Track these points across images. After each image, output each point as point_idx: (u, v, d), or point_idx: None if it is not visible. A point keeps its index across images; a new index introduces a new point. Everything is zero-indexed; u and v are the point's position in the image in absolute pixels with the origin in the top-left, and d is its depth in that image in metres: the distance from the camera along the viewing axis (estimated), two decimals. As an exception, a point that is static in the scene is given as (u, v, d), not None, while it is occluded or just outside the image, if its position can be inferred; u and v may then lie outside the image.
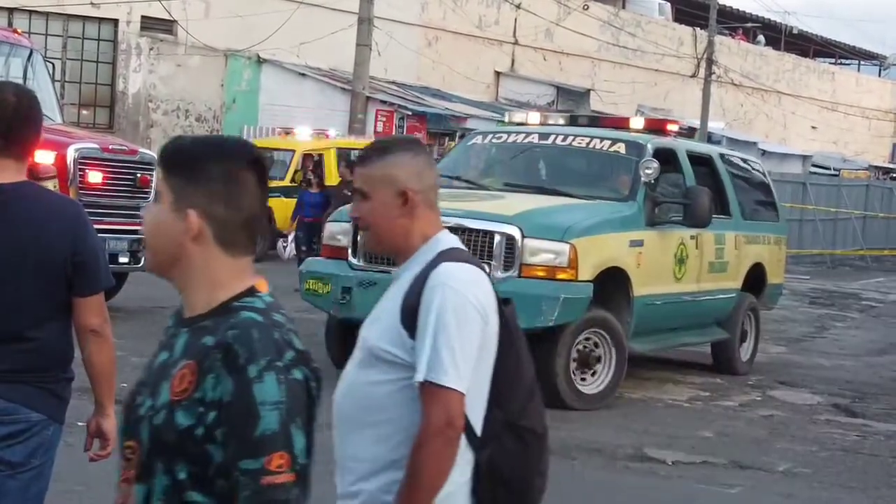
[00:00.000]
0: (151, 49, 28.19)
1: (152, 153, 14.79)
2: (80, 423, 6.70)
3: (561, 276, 9.59)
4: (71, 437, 7.06)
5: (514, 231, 9.58)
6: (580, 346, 9.90)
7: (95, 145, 13.44)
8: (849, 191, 34.58)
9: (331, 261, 10.34)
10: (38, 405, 3.76)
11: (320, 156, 22.50)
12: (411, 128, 28.46)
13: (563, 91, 36.63)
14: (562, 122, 12.51)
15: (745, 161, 14.23)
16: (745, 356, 12.78)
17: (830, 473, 8.47)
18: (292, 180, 21.75)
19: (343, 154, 21.89)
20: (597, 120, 12.85)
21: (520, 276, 9.53)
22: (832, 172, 40.00)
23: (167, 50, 28.34)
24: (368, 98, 27.34)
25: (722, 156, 13.00)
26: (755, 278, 12.91)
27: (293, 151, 22.63)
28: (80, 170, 12.91)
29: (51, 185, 11.68)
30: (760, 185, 13.78)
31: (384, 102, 29.18)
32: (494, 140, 12.06)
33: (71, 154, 12.65)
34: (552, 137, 11.57)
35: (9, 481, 3.75)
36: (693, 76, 41.27)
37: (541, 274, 9.59)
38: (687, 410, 10.49)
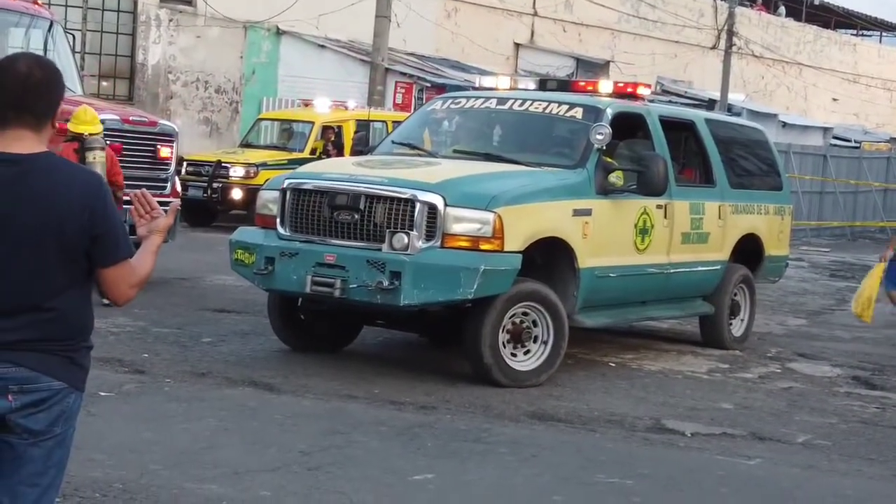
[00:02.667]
0: (171, 20, 28.17)
1: (172, 125, 14.83)
2: (101, 393, 6.77)
3: (485, 246, 9.14)
4: (92, 406, 7.13)
5: (435, 199, 9.17)
6: (514, 320, 9.50)
7: (116, 117, 13.49)
8: (870, 163, 34.39)
9: (260, 230, 10.04)
10: (60, 374, 3.78)
11: (339, 127, 22.50)
12: (430, 100, 28.36)
13: (582, 63, 36.48)
14: (532, 86, 11.94)
15: (740, 127, 13.79)
16: (738, 331, 12.43)
17: (850, 445, 8.46)
18: (311, 152, 21.76)
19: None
20: (567, 84, 12.24)
21: (442, 247, 9.14)
22: (853, 145, 39.77)
23: (186, 21, 28.32)
24: (387, 70, 27.25)
25: (708, 121, 12.47)
26: (750, 250, 12.58)
27: (312, 123, 22.62)
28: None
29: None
30: (759, 152, 13.29)
31: (403, 74, 29.10)
32: (453, 105, 11.62)
33: (91, 125, 12.65)
34: (509, 103, 11.10)
35: (31, 449, 3.77)
36: (713, 48, 41.00)
37: (463, 244, 9.17)
38: (706, 382, 10.47)
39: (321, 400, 8.64)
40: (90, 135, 12.08)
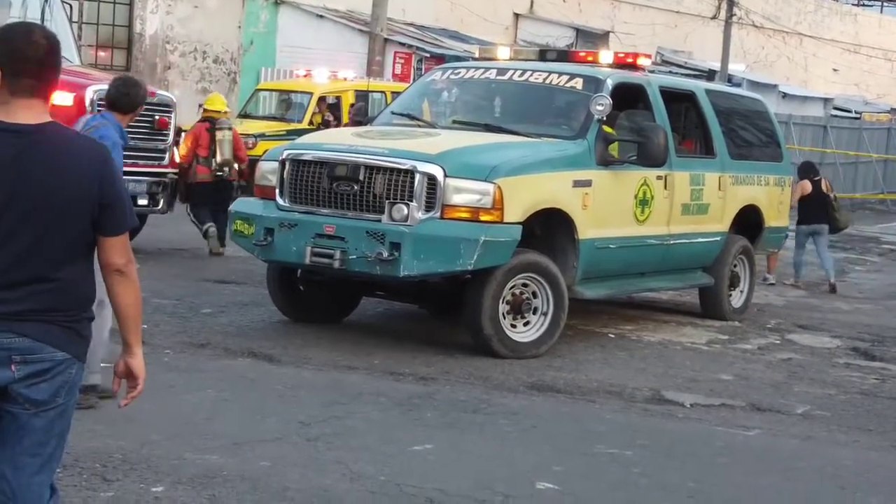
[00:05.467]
0: (169, -10, 28.04)
1: (171, 95, 14.78)
2: (102, 364, 6.74)
3: (485, 217, 9.12)
4: (92, 377, 7.11)
5: (435, 170, 9.13)
6: (514, 292, 9.50)
7: (114, 87, 13.41)
8: (870, 134, 34.34)
9: (259, 201, 10.02)
10: (63, 344, 3.78)
11: (338, 98, 22.45)
12: (429, 70, 28.28)
13: (582, 33, 36.34)
14: (532, 57, 11.89)
15: (741, 98, 13.74)
16: (737, 302, 12.42)
17: (849, 416, 8.48)
18: (310, 122, 21.71)
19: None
20: (567, 54, 12.18)
21: (442, 218, 9.12)
22: (853, 115, 39.71)
23: (185, -9, 28.18)
24: (386, 40, 27.17)
25: (709, 92, 12.43)
26: (750, 221, 12.58)
27: (311, 94, 22.57)
28: (99, 111, 12.88)
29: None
30: (759, 123, 13.25)
31: (402, 44, 28.99)
32: (453, 76, 11.56)
33: (89, 95, 12.63)
34: (509, 73, 11.05)
35: (33, 419, 3.78)
36: (714, 18, 40.80)
37: (463, 215, 9.14)
38: (705, 353, 10.49)
39: (321, 371, 8.65)
40: (221, 115, 14.65)
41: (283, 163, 9.81)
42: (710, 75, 18.02)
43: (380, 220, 9.19)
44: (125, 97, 7.38)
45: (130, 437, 6.53)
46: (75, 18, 15.51)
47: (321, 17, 29.34)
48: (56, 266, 3.74)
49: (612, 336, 10.93)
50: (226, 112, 15.02)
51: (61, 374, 3.80)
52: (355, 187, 9.38)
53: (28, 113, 3.72)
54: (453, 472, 6.42)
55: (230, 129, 14.61)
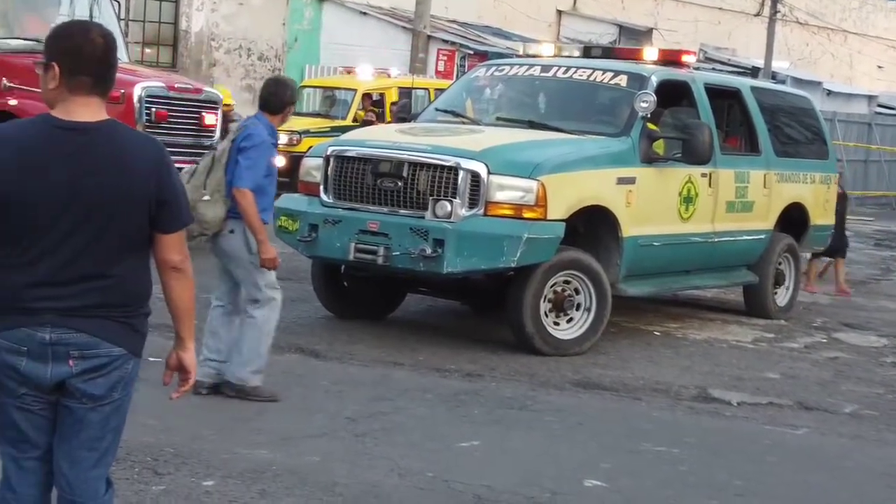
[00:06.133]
0: (214, -13, 28.20)
1: (217, 92, 14.87)
2: (151, 359, 6.83)
3: (528, 214, 9.11)
4: (143, 371, 7.17)
5: (479, 167, 9.14)
6: (556, 289, 9.48)
7: (162, 84, 13.54)
8: (916, 131, 34.03)
9: (304, 197, 10.08)
10: (119, 340, 3.81)
11: (381, 95, 22.49)
12: (472, 67, 28.29)
13: (625, 30, 36.23)
14: (576, 54, 11.90)
15: (786, 95, 13.64)
16: (782, 300, 12.34)
17: (897, 416, 8.44)
18: (354, 119, 21.76)
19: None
20: (611, 51, 12.16)
21: (485, 215, 9.12)
22: (898, 112, 39.33)
23: (229, -12, 28.34)
24: (430, 37, 27.17)
25: (754, 89, 12.35)
26: (795, 219, 12.49)
27: (354, 91, 22.61)
28: (147, 108, 13.02)
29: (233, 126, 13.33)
30: (805, 120, 13.14)
31: (445, 41, 29.02)
32: (497, 73, 11.55)
33: (138, 92, 12.76)
34: (553, 70, 11.03)
35: (90, 414, 3.82)
36: (757, 15, 40.61)
37: (506, 212, 9.14)
38: (751, 352, 10.45)
39: (367, 367, 8.68)
40: (228, 108, 14.69)
41: (327, 159, 9.85)
42: (753, 72, 17.91)
43: (423, 217, 9.21)
44: (272, 97, 7.56)
45: (181, 431, 6.59)
46: (122, 15, 15.62)
47: (365, 14, 29.42)
48: (113, 262, 3.77)
49: (658, 334, 10.91)
50: (231, 105, 14.97)
51: (117, 369, 3.83)
52: (399, 184, 9.41)
53: (85, 110, 3.74)
54: (500, 469, 6.44)
55: (235, 121, 14.71)
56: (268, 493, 5.75)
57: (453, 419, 7.41)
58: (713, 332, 11.20)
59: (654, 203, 10.27)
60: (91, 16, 13.93)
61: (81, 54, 3.72)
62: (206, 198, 7.46)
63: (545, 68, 11.16)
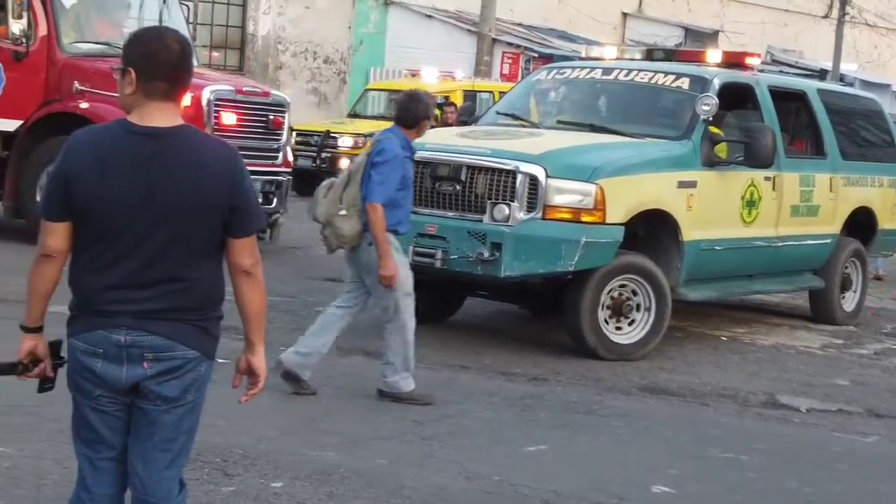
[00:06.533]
0: (281, -9, 28.40)
1: (284, 95, 14.97)
2: (219, 360, 6.85)
3: (586, 218, 9.06)
4: (214, 373, 7.24)
5: (537, 171, 9.09)
6: (614, 294, 9.42)
7: (230, 87, 13.65)
8: None
9: None
10: (193, 343, 3.85)
11: (446, 98, 22.52)
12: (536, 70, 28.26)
13: (691, 32, 36.01)
14: (638, 56, 11.81)
15: (854, 97, 13.44)
16: (849, 306, 12.16)
17: (970, 424, 8.31)
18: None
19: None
20: (674, 54, 12.10)
21: (543, 218, 9.08)
22: (969, 116, 38.76)
23: (296, -8, 28.52)
24: (494, 40, 27.20)
25: (821, 91, 12.20)
26: (863, 223, 12.29)
27: (419, 93, 22.63)
28: (216, 112, 13.13)
29: None
30: (873, 123, 12.91)
31: (510, 44, 29.01)
32: (558, 76, 11.48)
33: (206, 96, 12.88)
34: (615, 73, 10.97)
35: (164, 415, 3.86)
36: (825, 17, 40.22)
37: (565, 216, 9.08)
38: (820, 358, 10.35)
39: (432, 370, 8.69)
40: None
41: None
42: (821, 75, 17.74)
43: (481, 221, 9.21)
44: (406, 112, 7.68)
45: (249, 432, 6.64)
46: (191, 19, 15.76)
47: (430, 17, 29.48)
48: (187, 266, 3.80)
49: (724, 339, 10.83)
50: None
51: (191, 371, 3.87)
52: (457, 187, 9.41)
53: (161, 115, 3.79)
54: (567, 474, 6.43)
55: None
56: (336, 496, 5.77)
57: (520, 423, 7.41)
58: (781, 337, 11.11)
59: (715, 207, 10.19)
60: (161, 20, 14.08)
61: (157, 60, 3.76)
62: (343, 212, 7.59)
63: (606, 71, 11.12)
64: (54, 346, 3.92)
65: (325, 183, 7.93)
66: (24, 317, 3.89)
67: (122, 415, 3.87)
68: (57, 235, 3.80)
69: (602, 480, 6.34)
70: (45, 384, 3.96)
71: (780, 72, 27.95)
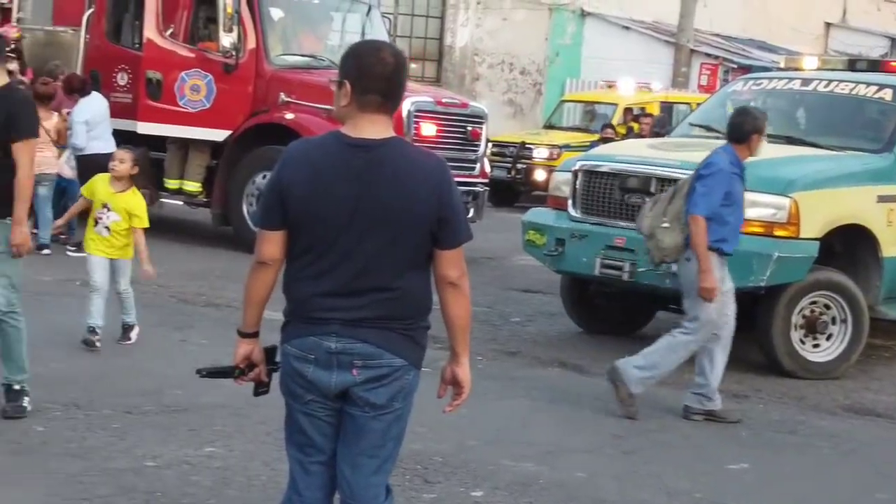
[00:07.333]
0: (478, 3, 28.60)
1: (482, 107, 15.08)
2: (422, 369, 6.89)
3: (779, 232, 8.78)
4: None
5: None
6: (809, 310, 9.10)
7: (430, 99, 13.82)
8: None
9: (552, 211, 10.06)
10: (401, 351, 3.90)
11: (642, 109, 22.35)
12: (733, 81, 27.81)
13: (897, 42, 34.95)
14: (840, 67, 11.43)
15: None
16: None
17: None
18: (616, 134, 21.67)
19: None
20: (878, 64, 11.61)
21: None
22: None
23: (493, 4, 28.70)
24: (692, 51, 26.89)
25: None
26: None
27: (615, 105, 22.55)
28: (415, 123, 13.31)
29: None
30: None
31: (708, 55, 28.62)
32: (755, 87, 11.15)
33: (407, 107, 13.04)
34: (814, 83, 10.62)
35: (371, 422, 3.92)
36: None
37: (757, 230, 8.79)
38: None
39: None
40: None
41: (575, 174, 9.84)
42: None
43: None
44: (733, 126, 7.75)
45: (449, 440, 6.69)
46: (391, 32, 16.02)
47: (627, 28, 29.30)
48: (396, 276, 3.85)
49: (935, 359, 10.45)
50: None
51: (398, 379, 3.92)
52: (646, 199, 9.31)
53: (373, 128, 3.84)
54: (771, 494, 6.30)
55: None
56: (535, 507, 5.78)
57: (721, 440, 7.29)
58: None
59: None
60: (363, 33, 14.36)
61: (372, 73, 3.82)
62: (665, 225, 7.62)
63: (805, 82, 10.84)
64: (269, 352, 4.02)
65: (654, 197, 7.95)
66: (241, 322, 4.01)
67: (332, 420, 3.95)
68: (272, 244, 3.89)
69: (807, 502, 6.18)
70: (260, 388, 4.07)
71: None
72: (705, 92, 25.45)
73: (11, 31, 14.09)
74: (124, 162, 8.29)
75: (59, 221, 9.98)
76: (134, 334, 8.54)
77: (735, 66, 28.24)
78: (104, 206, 8.23)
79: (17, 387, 6.56)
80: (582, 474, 6.33)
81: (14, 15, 14.70)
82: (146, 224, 8.30)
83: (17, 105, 6.40)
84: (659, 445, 7.02)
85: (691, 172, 9.14)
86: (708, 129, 10.87)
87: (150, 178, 8.85)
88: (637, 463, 6.63)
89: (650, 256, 7.89)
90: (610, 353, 9.53)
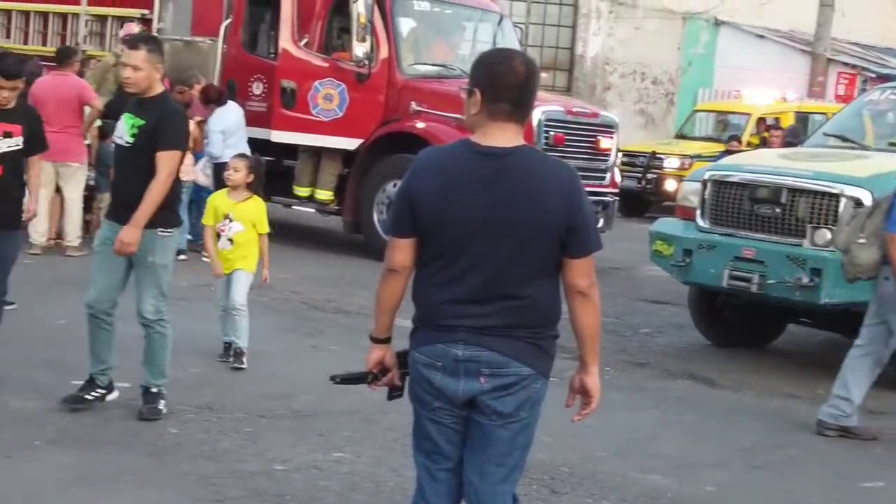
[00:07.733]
0: (611, 13, 28.51)
1: (613, 116, 15.00)
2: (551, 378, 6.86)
3: None
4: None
5: (862, 194, 8.60)
6: None
7: (560, 108, 13.79)
8: None
9: (680, 221, 9.91)
10: (529, 360, 3.89)
11: (777, 120, 22.01)
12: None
13: None
14: None
15: None
16: None
17: None
18: (748, 144, 21.38)
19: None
20: None
21: None
22: None
23: (626, 14, 28.57)
24: (829, 60, 26.39)
25: None
26: None
27: (748, 115, 22.24)
28: (546, 132, 13.29)
29: None
30: None
31: (846, 65, 28.08)
32: (892, 96, 10.84)
33: (538, 116, 13.04)
34: None
35: (499, 430, 3.92)
36: None
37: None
38: None
39: (761, 397, 8.50)
40: None
41: (704, 184, 9.71)
42: None
43: (801, 245, 8.92)
44: None
45: (576, 451, 6.67)
46: (522, 41, 16.02)
47: (762, 37, 28.90)
48: (524, 284, 3.85)
49: None
50: None
51: (525, 388, 3.91)
52: (777, 210, 9.14)
53: (502, 136, 3.85)
54: (907, 513, 6.15)
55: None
56: (663, 520, 5.73)
57: (853, 456, 7.14)
58: None
59: None
60: (494, 42, 14.39)
61: (503, 81, 3.83)
62: (862, 241, 7.47)
63: None
64: (402, 357, 4.04)
65: (855, 211, 7.78)
66: (373, 329, 4.04)
67: (459, 427, 3.96)
68: (403, 251, 3.92)
69: (944, 522, 6.03)
70: (394, 392, 4.11)
71: None
72: (842, 102, 24.98)
73: (133, 27, 14.38)
74: (239, 171, 8.15)
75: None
76: (246, 360, 8.05)
77: (874, 75, 27.67)
78: (226, 217, 8.09)
79: (154, 389, 6.71)
80: (711, 488, 6.25)
81: (154, 25, 15.02)
82: (268, 229, 8.28)
83: (167, 115, 6.55)
84: (789, 461, 6.90)
85: (815, 182, 9.00)
86: (843, 139, 10.65)
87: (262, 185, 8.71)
88: (767, 478, 6.53)
89: (844, 271, 7.69)
90: (740, 365, 9.44)
